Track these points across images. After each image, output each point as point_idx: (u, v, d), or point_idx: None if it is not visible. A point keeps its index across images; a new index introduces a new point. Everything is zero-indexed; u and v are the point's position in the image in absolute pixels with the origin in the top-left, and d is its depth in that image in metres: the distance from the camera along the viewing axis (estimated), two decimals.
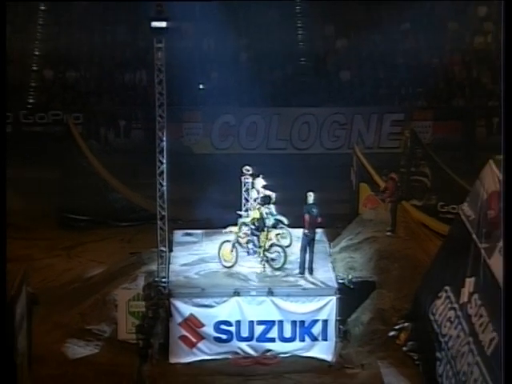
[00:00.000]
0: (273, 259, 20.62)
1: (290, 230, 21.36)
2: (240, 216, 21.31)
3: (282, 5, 33.85)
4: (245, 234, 20.85)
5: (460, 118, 31.26)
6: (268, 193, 21.41)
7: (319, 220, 20.76)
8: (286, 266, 20.66)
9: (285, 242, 21.08)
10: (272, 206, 21.10)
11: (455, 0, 33.59)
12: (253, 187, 21.99)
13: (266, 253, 20.67)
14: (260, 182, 21.86)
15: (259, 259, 20.74)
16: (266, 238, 20.70)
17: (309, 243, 20.64)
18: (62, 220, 26.00)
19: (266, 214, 20.90)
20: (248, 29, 31.93)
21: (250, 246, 20.84)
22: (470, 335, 17.42)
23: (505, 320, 12.63)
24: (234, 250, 20.79)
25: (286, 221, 21.35)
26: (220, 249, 20.88)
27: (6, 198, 13.18)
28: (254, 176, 22.19)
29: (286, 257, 20.65)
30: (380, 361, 19.35)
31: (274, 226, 21.08)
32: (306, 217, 20.48)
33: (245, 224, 20.89)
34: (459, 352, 17.62)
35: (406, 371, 18.95)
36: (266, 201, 21.03)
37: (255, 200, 21.63)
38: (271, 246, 20.70)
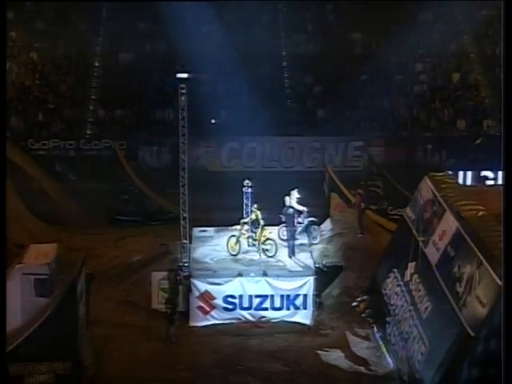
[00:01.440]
0: (267, 249, 20.79)
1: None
2: (242, 218, 21.43)
3: (272, 61, 33.98)
4: (246, 230, 21.02)
5: (403, 145, 31.28)
6: (300, 208, 21.86)
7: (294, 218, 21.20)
8: (276, 254, 20.80)
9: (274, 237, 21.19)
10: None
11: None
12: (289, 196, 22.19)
13: (261, 245, 20.85)
14: (295, 194, 22.10)
15: (256, 249, 20.91)
16: (261, 234, 20.90)
17: (292, 235, 20.99)
18: (110, 220, 26.22)
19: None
20: (247, 79, 31.79)
21: (250, 240, 20.99)
22: (411, 304, 17.62)
23: (505, 320, 11.23)
24: (238, 243, 20.99)
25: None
26: (227, 241, 21.07)
27: (5, 199, 11.86)
28: (290, 190, 22.40)
29: (276, 248, 20.82)
30: (345, 324, 19.63)
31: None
32: (283, 217, 21.18)
33: (245, 223, 21.06)
34: (403, 317, 17.82)
35: (364, 331, 19.24)
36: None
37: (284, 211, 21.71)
38: (266, 240, 20.87)
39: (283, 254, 20.95)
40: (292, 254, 20.91)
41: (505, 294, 10.35)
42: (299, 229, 21.91)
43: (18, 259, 18.69)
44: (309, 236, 22.21)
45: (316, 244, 22.00)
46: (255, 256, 20.83)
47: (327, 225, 23.51)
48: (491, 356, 14.19)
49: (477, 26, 34.97)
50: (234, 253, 20.92)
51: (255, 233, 20.92)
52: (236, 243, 21.00)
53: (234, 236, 21.10)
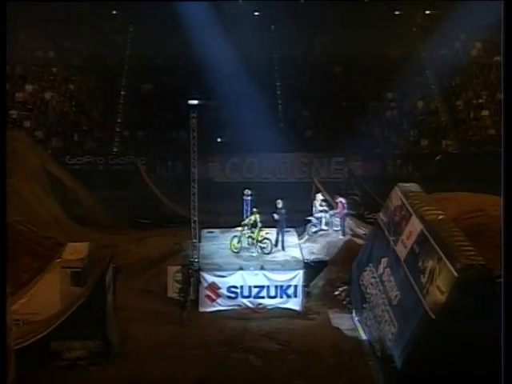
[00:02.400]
0: (264, 247, 20.75)
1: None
2: (243, 220, 21.37)
3: (268, 90, 33.78)
4: (246, 231, 20.97)
5: (377, 160, 31.28)
6: (324, 208, 22.33)
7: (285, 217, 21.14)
8: (272, 252, 20.77)
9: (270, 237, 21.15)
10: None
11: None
12: (315, 199, 22.62)
13: (259, 243, 20.81)
14: (319, 196, 22.48)
15: (255, 247, 20.88)
16: (259, 234, 20.88)
17: (281, 231, 20.98)
18: (133, 223, 26.15)
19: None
20: (247, 106, 31.79)
21: (250, 239, 20.89)
22: (383, 293, 17.55)
23: (505, 320, 10.24)
24: (240, 242, 20.89)
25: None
26: (231, 241, 20.99)
27: (6, 199, 10.71)
28: (315, 193, 23.23)
29: (272, 246, 20.80)
30: (329, 310, 19.60)
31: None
32: (276, 216, 21.05)
33: (246, 225, 21.02)
34: (377, 304, 17.75)
35: (344, 316, 19.22)
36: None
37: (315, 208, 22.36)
38: (263, 239, 20.84)
39: (278, 251, 20.88)
40: (282, 248, 20.94)
41: (505, 294, 9.54)
42: (323, 222, 22.29)
43: (58, 255, 18.76)
44: (330, 227, 22.36)
45: (337, 231, 22.10)
46: (254, 253, 20.76)
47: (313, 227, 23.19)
48: (449, 335, 14.21)
49: (436, 63, 35.06)
50: (236, 250, 20.83)
51: (254, 233, 20.87)
52: (238, 242, 20.91)
53: (236, 236, 21.02)
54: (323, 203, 22.64)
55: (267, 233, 20.98)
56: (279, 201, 21.39)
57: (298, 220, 23.17)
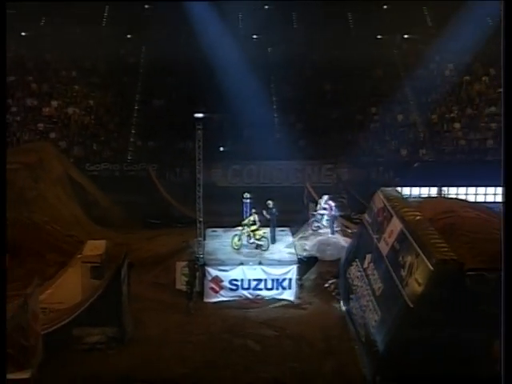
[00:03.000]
0: (261, 245, 20.77)
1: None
2: (243, 220, 21.34)
3: (265, 104, 33.68)
4: (245, 230, 20.97)
5: (362, 167, 31.20)
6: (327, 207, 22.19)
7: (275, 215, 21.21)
8: (268, 249, 20.77)
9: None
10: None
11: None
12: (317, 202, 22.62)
13: (257, 241, 20.84)
14: (325, 197, 22.43)
15: (254, 245, 20.87)
16: (257, 233, 20.89)
17: (273, 228, 21.08)
18: (145, 223, 26.00)
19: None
20: (247, 118, 31.80)
21: (249, 237, 20.92)
22: (367, 285, 17.50)
23: (505, 319, 9.39)
24: (240, 240, 20.91)
25: None
26: (232, 239, 21.00)
27: (6, 199, 9.88)
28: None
29: (268, 243, 20.82)
30: (320, 300, 19.61)
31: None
32: (266, 214, 21.11)
33: (245, 225, 21.04)
34: (362, 294, 17.70)
35: (333, 305, 19.27)
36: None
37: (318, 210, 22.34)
38: (261, 237, 20.86)
39: (274, 248, 20.86)
40: (273, 242, 21.01)
41: (505, 294, 8.84)
42: (324, 219, 22.21)
43: (79, 251, 18.77)
44: (331, 227, 22.31)
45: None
46: (253, 250, 20.74)
47: (306, 227, 23.13)
48: (425, 321, 14.24)
49: (414, 81, 35.12)
50: (237, 247, 20.84)
51: (253, 232, 20.89)
52: (238, 240, 20.91)
53: (236, 235, 21.02)
54: (329, 202, 22.49)
55: (265, 232, 20.99)
56: (269, 202, 21.43)
57: (292, 220, 23.17)
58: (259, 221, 20.91)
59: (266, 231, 21.12)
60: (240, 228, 21.07)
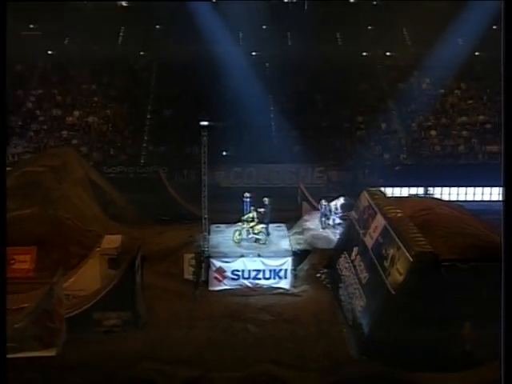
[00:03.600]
0: (259, 239, 20.70)
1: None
2: (243, 216, 21.19)
3: (263, 114, 33.66)
4: (245, 226, 20.94)
5: (350, 170, 31.05)
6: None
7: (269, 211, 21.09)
8: (266, 243, 20.70)
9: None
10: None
11: None
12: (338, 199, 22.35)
13: (255, 235, 20.80)
14: (341, 200, 22.23)
15: (253, 239, 20.79)
16: (256, 228, 20.84)
17: (267, 223, 20.94)
18: (156, 220, 25.54)
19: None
20: (247, 126, 31.77)
21: (248, 232, 20.86)
22: (354, 275, 17.60)
23: (505, 320, 8.16)
24: (240, 234, 20.82)
25: None
26: (233, 234, 20.97)
27: (5, 199, 9.20)
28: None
29: (266, 238, 20.78)
30: (312, 288, 19.47)
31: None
32: (263, 210, 20.97)
33: (245, 220, 20.99)
34: (350, 283, 17.79)
35: (324, 293, 19.14)
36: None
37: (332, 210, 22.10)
38: (259, 232, 20.83)
39: (271, 242, 20.74)
40: (267, 235, 20.87)
41: (505, 294, 7.91)
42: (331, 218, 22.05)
43: (98, 245, 18.78)
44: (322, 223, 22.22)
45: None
46: (252, 243, 20.67)
47: (300, 223, 23.12)
48: (405, 307, 14.34)
49: (395, 93, 35.15)
50: (238, 241, 20.74)
51: (252, 227, 20.87)
52: (239, 235, 20.83)
53: (237, 230, 20.97)
54: (322, 202, 22.31)
55: (262, 227, 20.93)
56: (265, 199, 21.32)
57: (288, 217, 23.10)
58: (257, 217, 20.83)
59: (264, 226, 21.03)
60: (240, 224, 21.01)
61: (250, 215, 20.90)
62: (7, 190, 22.39)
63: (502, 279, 7.69)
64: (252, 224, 20.79)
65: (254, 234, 20.75)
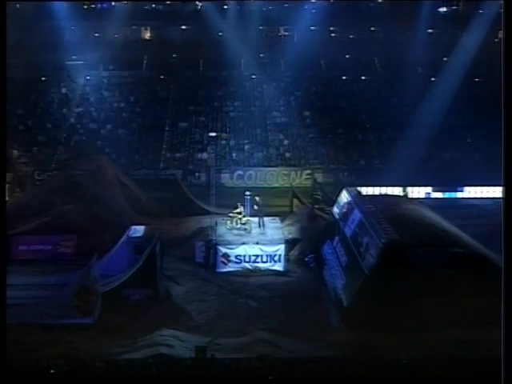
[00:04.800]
0: (245, 228, 20.22)
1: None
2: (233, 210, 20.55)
3: (260, 127, 33.42)
4: (235, 218, 20.41)
5: (332, 172, 30.98)
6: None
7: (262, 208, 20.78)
8: (252, 230, 20.11)
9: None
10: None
11: None
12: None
13: (243, 225, 20.33)
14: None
15: (241, 228, 20.28)
16: (243, 219, 20.42)
17: (261, 216, 20.67)
18: (173, 213, 24.76)
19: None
20: (247, 137, 31.85)
21: (236, 223, 20.41)
22: (336, 259, 17.66)
23: (505, 320, 6.67)
24: (232, 223, 20.34)
25: None
26: (225, 223, 20.42)
27: (5, 199, 7.71)
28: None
29: (251, 228, 20.30)
30: (301, 270, 19.37)
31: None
32: (256, 207, 20.75)
33: (233, 216, 20.52)
34: (332, 266, 17.85)
35: (311, 274, 19.05)
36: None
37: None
38: (245, 223, 20.34)
39: (267, 232, 20.30)
40: (261, 226, 20.39)
41: (505, 294, 6.70)
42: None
43: (125, 234, 18.75)
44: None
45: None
46: (241, 231, 20.22)
47: (292, 216, 23.03)
48: (377, 284, 14.33)
49: (370, 109, 34.93)
50: (230, 229, 20.14)
51: (240, 219, 20.37)
52: (230, 223, 20.34)
53: (228, 220, 20.42)
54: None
55: (248, 220, 20.41)
56: (257, 197, 20.98)
57: (281, 211, 22.99)
58: (244, 211, 20.39)
59: (250, 219, 20.51)
60: (231, 215, 20.53)
61: (238, 210, 20.43)
62: (55, 189, 22.52)
63: (503, 279, 6.72)
64: (240, 216, 20.42)
65: (242, 224, 20.35)
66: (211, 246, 19.42)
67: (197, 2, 39.71)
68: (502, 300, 6.74)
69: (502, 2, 6.86)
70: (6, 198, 27.02)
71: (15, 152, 30.58)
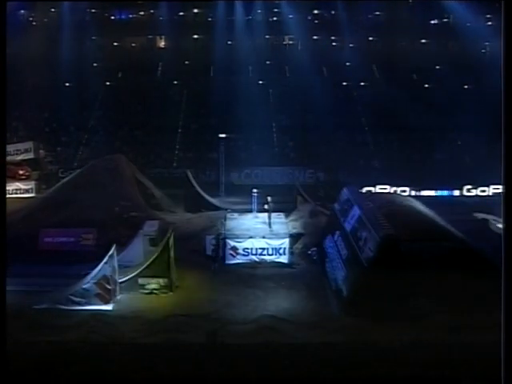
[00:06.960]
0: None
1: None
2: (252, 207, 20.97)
3: (266, 130, 33.39)
4: None
5: (334, 171, 30.70)
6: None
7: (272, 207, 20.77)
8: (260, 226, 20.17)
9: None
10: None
11: None
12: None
13: None
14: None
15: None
16: None
17: (269, 215, 20.68)
18: (185, 209, 25.02)
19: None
20: (255, 139, 31.79)
21: None
22: (337, 252, 17.49)
23: (505, 320, 6.26)
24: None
25: None
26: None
27: (5, 199, 8.00)
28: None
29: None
30: (305, 262, 19.22)
31: None
32: (266, 206, 20.72)
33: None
34: (333, 258, 17.67)
35: (313, 266, 18.94)
36: None
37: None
38: None
39: (273, 227, 20.30)
40: (270, 226, 20.41)
41: (505, 294, 6.31)
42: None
43: (141, 227, 18.80)
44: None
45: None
46: (259, 228, 20.27)
47: (296, 212, 22.81)
48: (374, 276, 14.32)
49: (369, 114, 34.79)
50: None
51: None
52: None
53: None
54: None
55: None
56: (269, 197, 21.03)
57: (286, 208, 22.83)
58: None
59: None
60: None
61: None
62: (77, 186, 22.48)
63: (503, 279, 6.37)
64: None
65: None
66: (220, 240, 19.36)
67: (208, 13, 39.80)
68: (502, 300, 6.33)
69: (502, 2, 6.45)
70: (34, 194, 27.62)
71: (42, 152, 30.77)
